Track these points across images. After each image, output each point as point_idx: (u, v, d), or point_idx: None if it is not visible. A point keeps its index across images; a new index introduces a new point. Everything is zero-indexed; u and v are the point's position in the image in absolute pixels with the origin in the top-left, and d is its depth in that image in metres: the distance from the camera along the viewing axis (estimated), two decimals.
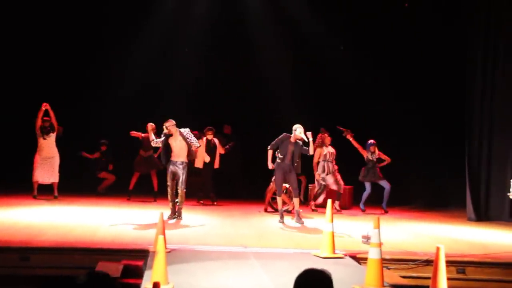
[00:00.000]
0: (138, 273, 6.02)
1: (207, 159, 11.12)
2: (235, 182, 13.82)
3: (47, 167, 11.30)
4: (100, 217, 9.31)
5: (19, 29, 13.00)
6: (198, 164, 11.58)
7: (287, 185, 10.03)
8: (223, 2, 13.69)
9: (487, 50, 11.10)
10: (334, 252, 6.75)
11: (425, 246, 7.61)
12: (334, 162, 11.59)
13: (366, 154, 11.65)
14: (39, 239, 7.01)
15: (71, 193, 11.87)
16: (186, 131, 9.33)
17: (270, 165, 9.66)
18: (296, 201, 9.51)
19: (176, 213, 9.36)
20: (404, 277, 6.42)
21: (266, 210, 10.98)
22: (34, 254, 6.42)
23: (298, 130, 9.32)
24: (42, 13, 12.99)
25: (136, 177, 12.07)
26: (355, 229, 8.93)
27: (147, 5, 13.66)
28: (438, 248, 5.29)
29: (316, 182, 11.65)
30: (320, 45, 13.88)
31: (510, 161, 10.89)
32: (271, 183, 10.77)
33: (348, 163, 11.97)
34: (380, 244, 5.64)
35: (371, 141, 11.72)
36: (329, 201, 7.02)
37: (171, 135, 9.20)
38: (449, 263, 6.37)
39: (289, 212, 10.55)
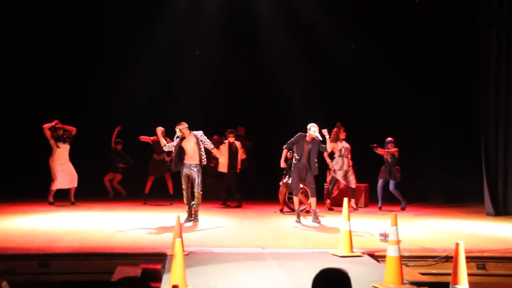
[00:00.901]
0: (156, 277, 6.04)
1: (222, 160, 11.13)
2: (250, 183, 13.82)
3: (66, 173, 11.41)
4: (117, 222, 9.35)
5: (33, 31, 13.09)
6: (222, 168, 11.63)
7: (301, 185, 10.02)
8: (234, 2, 13.71)
9: (500, 45, 11.02)
10: (352, 251, 6.72)
11: (443, 242, 7.55)
12: (349, 157, 11.54)
13: (386, 153, 11.61)
14: (57, 245, 7.05)
15: (88, 199, 11.95)
16: (199, 133, 9.35)
17: (283, 164, 9.83)
18: (313, 200, 9.49)
19: (193, 216, 9.39)
20: (423, 274, 6.37)
21: (282, 211, 10.96)
22: (53, 260, 6.45)
23: (312, 129, 9.30)
24: (56, 16, 13.07)
25: (151, 181, 12.13)
26: (372, 227, 8.89)
27: (158, 6, 13.72)
28: (457, 244, 5.25)
29: (328, 174, 11.62)
30: (331, 43, 13.85)
31: None
32: (281, 185, 10.76)
33: (363, 161, 11.92)
34: (398, 242, 5.61)
35: (389, 139, 11.68)
36: (345, 199, 7.00)
37: (184, 138, 9.23)
38: (469, 258, 6.33)
39: (307, 212, 10.53)
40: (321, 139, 9.36)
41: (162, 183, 12.24)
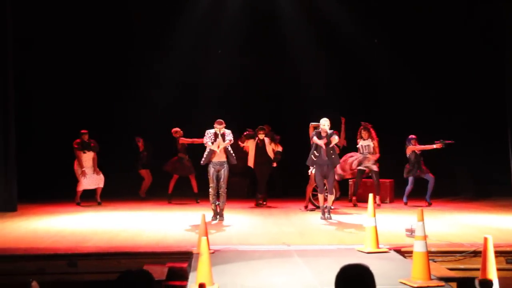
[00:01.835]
0: (183, 275, 6.08)
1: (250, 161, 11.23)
2: (273, 181, 13.81)
3: (91, 176, 11.57)
4: (143, 221, 9.44)
5: (57, 36, 13.29)
6: (249, 163, 11.56)
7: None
8: (255, 1, 13.74)
9: None
10: (378, 247, 6.69)
11: (471, 237, 7.47)
12: (372, 155, 11.39)
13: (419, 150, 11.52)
14: (85, 245, 7.15)
15: (114, 199, 12.09)
16: (228, 132, 9.42)
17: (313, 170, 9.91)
18: (329, 198, 9.57)
19: (218, 214, 9.44)
20: (451, 269, 6.31)
21: (307, 207, 10.94)
22: (81, 260, 6.54)
23: (321, 123, 9.48)
24: (80, 21, 13.26)
25: (175, 180, 12.21)
26: (398, 222, 8.83)
27: (180, 6, 13.82)
28: (486, 239, 5.20)
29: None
30: (354, 39, 13.78)
31: None
32: (311, 178, 10.72)
33: (388, 157, 11.84)
34: (425, 237, 5.57)
35: (412, 136, 11.56)
36: (370, 195, 6.96)
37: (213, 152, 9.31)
38: (498, 253, 6.25)
39: (331, 209, 10.48)
40: (330, 131, 9.47)
41: (186, 181, 12.31)
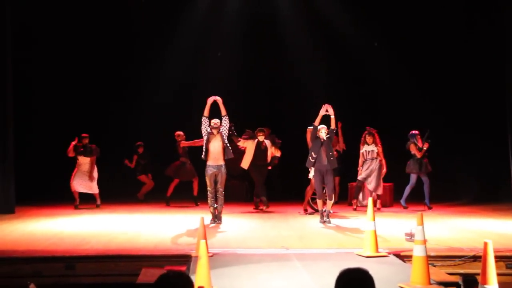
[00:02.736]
0: None
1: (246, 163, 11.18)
2: (271, 183, 13.81)
3: (83, 178, 11.56)
4: (142, 224, 9.44)
5: (54, 38, 13.34)
6: (244, 164, 11.35)
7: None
8: (254, 2, 13.76)
9: None
10: (377, 251, 6.68)
11: (471, 241, 7.47)
12: (378, 160, 11.35)
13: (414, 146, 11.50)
14: (83, 248, 7.14)
15: (112, 201, 12.09)
16: (226, 134, 9.44)
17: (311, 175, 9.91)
18: (329, 203, 9.56)
19: (216, 217, 9.44)
20: (450, 274, 6.31)
21: (306, 211, 10.93)
22: (79, 262, 6.53)
23: (321, 131, 9.50)
24: (77, 20, 13.29)
25: (175, 184, 12.22)
26: (397, 226, 8.83)
27: (179, 6, 13.85)
28: (486, 243, 5.19)
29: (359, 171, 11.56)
30: (354, 42, 13.81)
31: None
32: (312, 182, 10.70)
33: (388, 160, 11.84)
34: (424, 241, 5.57)
35: (414, 131, 11.52)
36: (370, 199, 6.97)
37: (212, 135, 9.29)
38: (498, 258, 6.23)
39: (330, 213, 10.48)
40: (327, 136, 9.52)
41: (185, 185, 12.31)
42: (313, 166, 9.60)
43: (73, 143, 11.55)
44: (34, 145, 13.20)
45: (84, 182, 11.58)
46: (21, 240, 7.76)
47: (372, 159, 11.36)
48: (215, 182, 9.38)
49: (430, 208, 11.37)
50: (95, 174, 11.68)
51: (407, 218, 9.86)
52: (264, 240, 7.80)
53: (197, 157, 9.77)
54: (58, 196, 12.25)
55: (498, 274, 5.35)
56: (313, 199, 10.72)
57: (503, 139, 11.33)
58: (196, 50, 14.04)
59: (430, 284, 5.42)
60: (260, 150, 11.36)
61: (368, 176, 11.35)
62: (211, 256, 6.35)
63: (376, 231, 6.74)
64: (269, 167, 11.55)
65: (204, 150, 9.34)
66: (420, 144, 11.46)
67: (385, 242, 7.32)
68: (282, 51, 14.14)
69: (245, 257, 6.63)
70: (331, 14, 13.79)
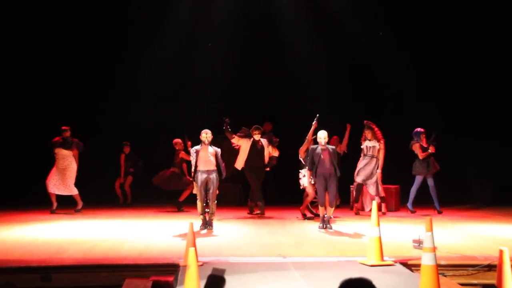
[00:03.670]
0: None
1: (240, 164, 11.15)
2: (267, 187, 13.79)
3: (60, 178, 11.47)
4: (126, 230, 9.40)
5: (39, 31, 13.39)
6: (238, 164, 11.28)
7: None
8: None
9: None
10: (382, 259, 6.67)
11: (485, 249, 7.47)
12: (376, 159, 11.35)
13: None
14: (60, 257, 7.10)
15: (93, 206, 12.04)
16: (219, 151, 9.55)
17: (313, 181, 9.77)
18: (329, 210, 9.53)
19: (207, 223, 9.42)
20: (463, 284, 6.31)
21: (304, 216, 10.88)
22: (56, 273, 6.47)
23: (318, 135, 9.52)
24: (61, 16, 13.35)
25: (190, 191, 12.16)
26: (404, 232, 8.83)
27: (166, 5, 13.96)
28: (501, 251, 5.18)
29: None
30: (356, 32, 13.84)
31: None
32: (307, 189, 10.67)
33: (394, 160, 11.85)
34: (434, 249, 5.55)
35: (419, 129, 11.49)
36: (374, 203, 6.94)
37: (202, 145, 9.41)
38: None
39: (331, 218, 10.45)
40: (333, 147, 9.69)
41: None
42: (314, 171, 9.53)
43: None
44: (10, 149, 13.26)
45: (60, 183, 11.47)
46: None
47: (373, 156, 11.32)
48: (206, 191, 9.37)
49: (440, 212, 11.37)
50: (73, 172, 11.57)
51: (414, 224, 9.87)
52: (259, 248, 7.78)
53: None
54: (34, 200, 12.20)
55: None
56: (313, 203, 10.70)
57: None
58: (188, 46, 14.11)
59: None
60: (256, 150, 11.20)
61: (368, 178, 11.30)
62: (201, 265, 6.32)
63: (381, 238, 6.72)
64: (268, 169, 11.45)
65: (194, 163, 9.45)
66: (424, 144, 11.41)
67: (391, 250, 7.30)
68: (281, 44, 14.20)
69: (238, 266, 6.60)
70: (332, 5, 13.83)
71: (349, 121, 11.84)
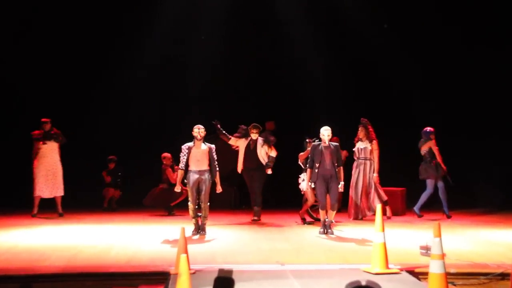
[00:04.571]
0: None
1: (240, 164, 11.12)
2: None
3: (50, 179, 11.44)
4: (112, 236, 9.40)
5: (20, 35, 13.55)
6: (239, 168, 11.22)
7: None
8: None
9: None
10: (387, 267, 6.67)
11: (497, 256, 7.48)
12: (370, 161, 11.31)
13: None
14: (42, 265, 7.07)
15: (77, 209, 12.04)
16: (213, 147, 9.50)
17: (312, 185, 9.69)
18: (330, 214, 9.52)
19: (200, 228, 9.41)
20: None
21: (303, 220, 10.88)
22: (37, 282, 6.45)
23: (321, 132, 9.43)
24: (47, 11, 13.50)
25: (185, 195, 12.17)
26: (411, 238, 8.84)
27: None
28: None
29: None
30: (359, 23, 13.88)
31: None
32: (306, 194, 10.67)
33: (399, 161, 11.87)
34: (443, 256, 5.56)
35: (429, 128, 11.48)
36: (379, 206, 6.94)
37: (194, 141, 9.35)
38: None
39: (332, 222, 10.45)
40: (336, 144, 9.57)
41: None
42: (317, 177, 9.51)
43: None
44: None
45: (50, 184, 11.43)
46: None
47: (366, 159, 11.28)
48: (198, 192, 9.36)
49: (449, 217, 11.39)
50: (60, 169, 11.54)
51: (422, 229, 9.88)
52: (255, 254, 7.78)
53: None
54: (14, 204, 12.20)
55: None
56: (313, 207, 10.71)
57: None
58: (177, 34, 14.16)
59: None
60: (250, 150, 11.17)
61: (367, 191, 11.23)
62: (193, 273, 6.32)
63: (386, 244, 6.72)
64: (268, 171, 11.15)
65: (184, 160, 9.36)
66: (434, 142, 11.40)
67: (396, 257, 7.30)
68: (277, 35, 14.23)
69: (233, 274, 6.59)
70: None
71: (349, 121, 11.81)
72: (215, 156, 9.43)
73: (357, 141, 11.39)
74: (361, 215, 11.47)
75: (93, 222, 10.98)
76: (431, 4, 13.46)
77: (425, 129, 11.50)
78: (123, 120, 13.68)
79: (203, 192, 9.36)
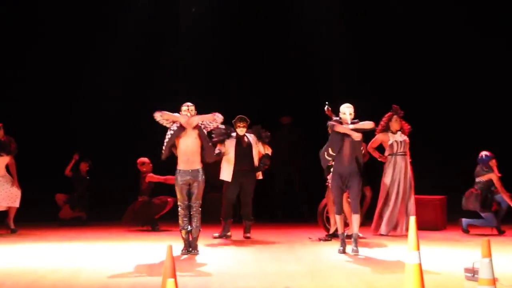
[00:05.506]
0: None
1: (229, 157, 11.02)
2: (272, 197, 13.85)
3: (5, 187, 11.51)
4: (83, 256, 9.43)
5: None
6: (224, 175, 11.06)
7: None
8: None
9: None
10: None
11: None
12: (407, 155, 11.31)
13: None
14: None
15: (36, 224, 12.09)
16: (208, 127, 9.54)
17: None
18: (355, 219, 9.44)
19: (190, 245, 9.46)
20: None
21: (322, 239, 10.82)
22: None
23: (341, 110, 9.35)
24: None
25: (170, 206, 12.20)
26: (454, 259, 8.87)
27: None
28: None
29: None
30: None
31: None
32: (324, 199, 10.72)
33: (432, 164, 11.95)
34: (493, 281, 5.59)
35: (486, 153, 11.42)
36: (412, 218, 6.95)
37: (183, 129, 9.30)
38: None
39: (359, 237, 10.44)
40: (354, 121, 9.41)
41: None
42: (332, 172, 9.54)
43: None
44: None
45: (4, 194, 11.50)
46: None
47: (404, 154, 11.26)
48: (189, 195, 9.40)
49: (501, 232, 11.41)
50: (8, 178, 11.67)
51: (467, 247, 9.90)
52: (259, 279, 7.80)
53: None
54: None
55: None
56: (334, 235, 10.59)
57: None
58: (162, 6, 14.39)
59: None
60: (241, 148, 11.04)
61: (406, 197, 11.24)
62: None
63: (421, 265, 6.75)
64: (259, 174, 11.21)
65: (166, 148, 9.36)
66: (496, 172, 11.38)
67: (435, 282, 7.34)
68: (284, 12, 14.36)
69: None
70: None
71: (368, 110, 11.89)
72: (207, 139, 9.45)
73: (380, 132, 11.24)
74: (394, 229, 11.36)
75: (55, 239, 11.00)
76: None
77: (480, 155, 11.46)
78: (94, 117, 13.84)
79: (194, 195, 9.38)
